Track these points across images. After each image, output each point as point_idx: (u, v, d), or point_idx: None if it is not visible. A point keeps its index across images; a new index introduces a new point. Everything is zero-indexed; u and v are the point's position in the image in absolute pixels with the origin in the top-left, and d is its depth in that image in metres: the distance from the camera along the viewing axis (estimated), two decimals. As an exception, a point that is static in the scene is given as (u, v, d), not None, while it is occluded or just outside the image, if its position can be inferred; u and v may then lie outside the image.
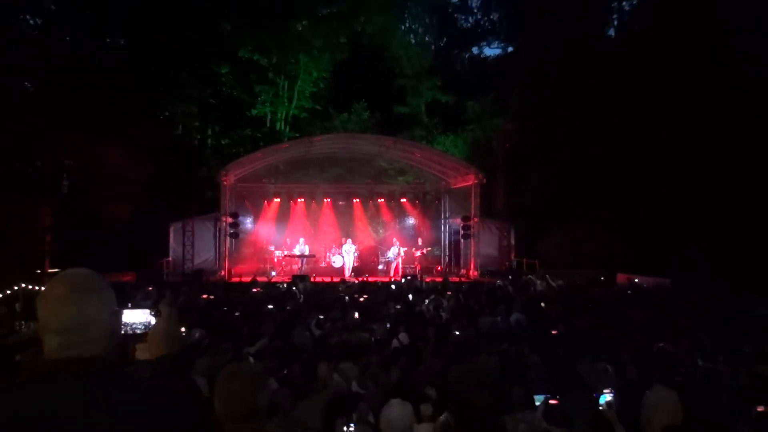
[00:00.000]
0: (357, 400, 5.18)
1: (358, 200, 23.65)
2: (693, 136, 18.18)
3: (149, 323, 2.06)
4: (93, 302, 1.68)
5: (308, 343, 8.48)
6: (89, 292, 1.69)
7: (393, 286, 15.98)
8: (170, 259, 20.38)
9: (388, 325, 9.83)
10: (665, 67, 18.96)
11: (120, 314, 1.84)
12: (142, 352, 2.00)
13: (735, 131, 17.69)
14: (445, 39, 34.28)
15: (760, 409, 5.67)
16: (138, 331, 2.09)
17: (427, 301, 12.90)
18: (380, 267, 21.33)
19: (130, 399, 1.59)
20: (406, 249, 21.56)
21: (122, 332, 1.98)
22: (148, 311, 2.17)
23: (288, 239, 21.84)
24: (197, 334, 8.46)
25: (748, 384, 6.85)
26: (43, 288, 1.76)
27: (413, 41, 32.24)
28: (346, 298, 13.66)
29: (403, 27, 32.32)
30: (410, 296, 13.90)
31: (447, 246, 23.40)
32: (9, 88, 17.82)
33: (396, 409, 4.54)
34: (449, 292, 14.35)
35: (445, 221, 23.57)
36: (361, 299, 13.45)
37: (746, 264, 15.58)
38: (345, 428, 4.78)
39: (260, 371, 2.51)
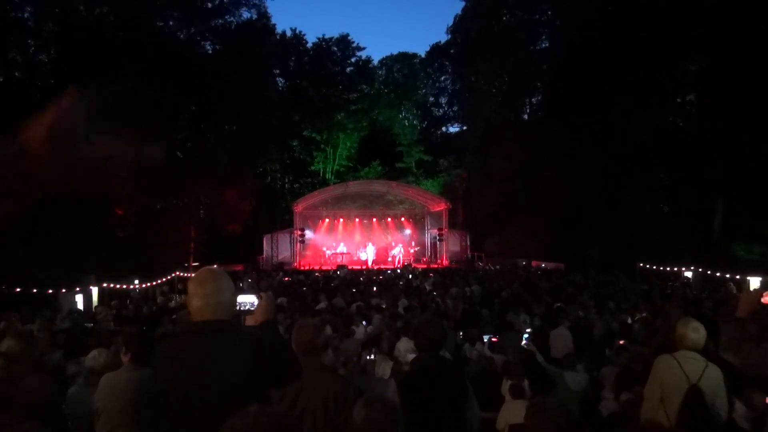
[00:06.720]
0: (378, 339, 5.15)
1: (375, 219, 23.46)
2: (575, 175, 17.93)
3: (254, 303, 2.01)
4: (221, 286, 1.68)
5: (345, 305, 8.48)
6: (219, 280, 1.69)
7: (397, 271, 15.94)
8: (264, 256, 20.31)
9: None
10: (558, 136, 18.83)
11: (236, 295, 1.83)
12: (249, 321, 1.96)
13: (600, 174, 17.61)
14: (426, 122, 34.31)
15: (621, 342, 5.62)
16: (247, 308, 2.01)
17: (417, 279, 12.88)
18: (389, 259, 21.19)
19: (242, 345, 1.62)
20: (404, 248, 21.37)
21: (237, 307, 1.93)
22: (254, 296, 2.10)
23: (333, 243, 21.71)
24: (280, 300, 8.48)
25: (614, 327, 6.78)
26: (190, 275, 1.77)
27: (407, 124, 32.23)
28: (368, 278, 13.67)
29: (400, 116, 32.32)
30: (409, 276, 13.86)
31: (429, 246, 23.13)
32: (171, 157, 18.15)
33: (404, 344, 4.51)
34: (431, 274, 14.30)
35: (427, 231, 23.35)
36: (378, 279, 13.45)
37: (610, 253, 15.43)
38: (369, 356, 4.72)
39: (317, 323, 2.49)
